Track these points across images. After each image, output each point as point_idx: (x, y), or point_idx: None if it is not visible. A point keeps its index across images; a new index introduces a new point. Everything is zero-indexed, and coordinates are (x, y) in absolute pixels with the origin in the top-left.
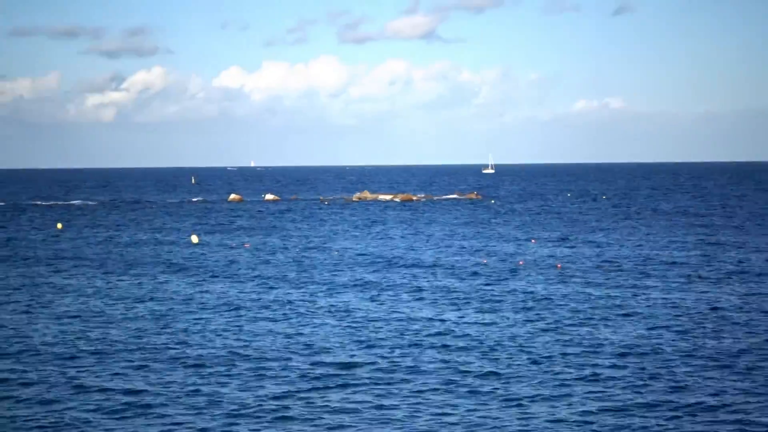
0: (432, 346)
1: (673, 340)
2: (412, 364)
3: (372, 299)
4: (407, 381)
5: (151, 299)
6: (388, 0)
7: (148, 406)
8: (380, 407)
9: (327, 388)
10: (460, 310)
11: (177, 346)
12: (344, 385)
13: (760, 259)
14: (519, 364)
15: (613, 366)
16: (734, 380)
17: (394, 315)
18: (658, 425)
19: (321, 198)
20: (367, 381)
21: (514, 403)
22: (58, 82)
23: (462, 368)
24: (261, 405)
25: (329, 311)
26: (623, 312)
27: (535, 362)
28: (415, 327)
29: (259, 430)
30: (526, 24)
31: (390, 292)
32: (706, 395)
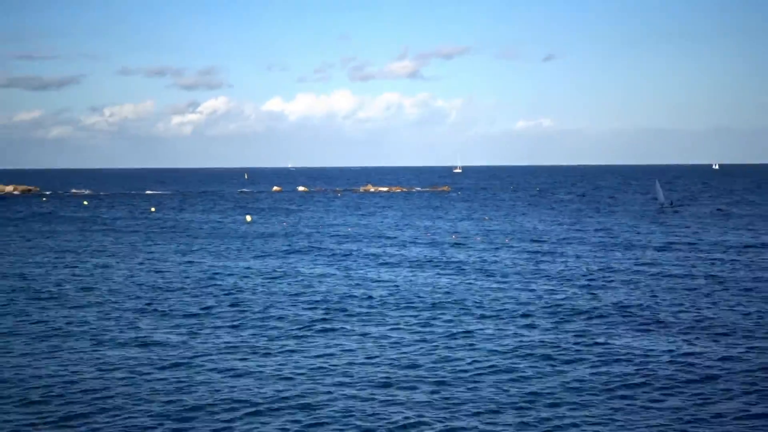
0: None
1: (576, 294)
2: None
3: (368, 258)
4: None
5: (217, 257)
6: (385, 49)
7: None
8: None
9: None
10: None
11: (222, 284)
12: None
13: (620, 235)
14: (467, 306)
15: (530, 304)
16: (604, 323)
17: (384, 264)
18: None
19: (336, 189)
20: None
21: (461, 336)
22: (152, 107)
23: (416, 310)
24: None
25: (333, 263)
26: (545, 269)
27: (480, 305)
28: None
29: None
30: (483, 66)
31: (384, 256)
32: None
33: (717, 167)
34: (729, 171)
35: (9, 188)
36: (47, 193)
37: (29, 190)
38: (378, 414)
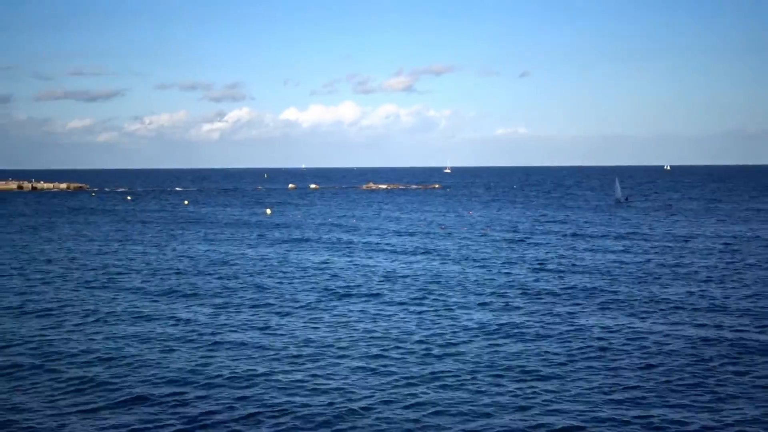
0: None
1: (544, 276)
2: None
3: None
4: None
5: (240, 243)
6: (384, 67)
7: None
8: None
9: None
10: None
11: (246, 261)
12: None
13: (582, 226)
14: (450, 286)
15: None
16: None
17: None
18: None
19: (340, 186)
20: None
21: (446, 308)
22: (185, 116)
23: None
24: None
25: (338, 248)
26: (518, 255)
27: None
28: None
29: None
30: (467, 82)
31: (386, 240)
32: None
33: (668, 168)
34: (678, 171)
35: (63, 185)
36: (95, 189)
37: (80, 187)
38: (373, 376)
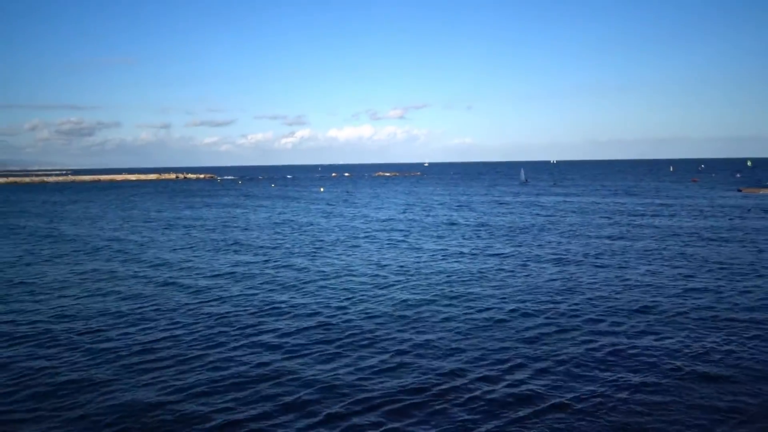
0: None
1: (476, 234)
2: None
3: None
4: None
5: (299, 212)
6: (386, 104)
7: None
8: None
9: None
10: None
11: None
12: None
13: (500, 197)
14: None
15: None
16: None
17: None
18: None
19: (360, 174)
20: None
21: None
22: (271, 135)
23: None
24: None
25: (359, 209)
26: (461, 217)
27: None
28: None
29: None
30: (435, 113)
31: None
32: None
33: (554, 162)
34: (561, 164)
35: (201, 176)
36: (220, 178)
37: (212, 177)
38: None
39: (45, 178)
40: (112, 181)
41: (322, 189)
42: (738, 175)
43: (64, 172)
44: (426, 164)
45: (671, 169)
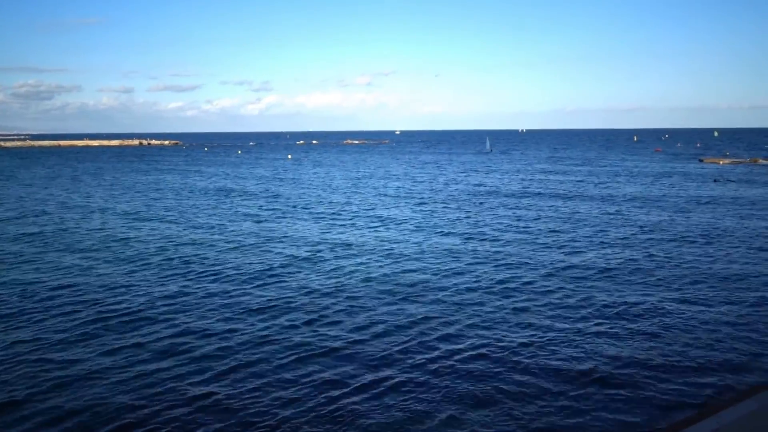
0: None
1: (440, 188)
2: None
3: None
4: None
5: (274, 175)
6: (354, 71)
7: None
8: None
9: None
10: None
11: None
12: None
13: (467, 163)
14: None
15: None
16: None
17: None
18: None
19: (328, 141)
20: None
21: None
22: (238, 101)
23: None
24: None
25: (323, 175)
26: (427, 175)
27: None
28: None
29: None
30: (403, 80)
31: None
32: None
33: (523, 131)
34: (530, 134)
35: (166, 142)
36: (185, 144)
37: (176, 143)
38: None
39: (2, 143)
40: (72, 147)
41: (290, 156)
42: (698, 145)
43: (22, 136)
44: (398, 132)
45: (635, 138)
